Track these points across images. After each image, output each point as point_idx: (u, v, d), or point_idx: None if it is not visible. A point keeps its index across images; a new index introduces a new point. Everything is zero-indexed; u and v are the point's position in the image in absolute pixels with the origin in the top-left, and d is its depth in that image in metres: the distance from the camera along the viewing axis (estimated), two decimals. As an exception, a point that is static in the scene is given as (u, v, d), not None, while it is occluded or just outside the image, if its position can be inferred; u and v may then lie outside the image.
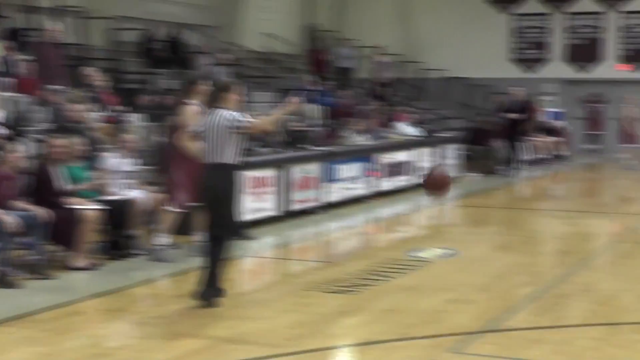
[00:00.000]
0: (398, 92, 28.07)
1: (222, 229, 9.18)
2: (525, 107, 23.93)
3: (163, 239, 11.37)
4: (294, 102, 9.69)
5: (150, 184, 12.47)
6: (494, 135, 23.89)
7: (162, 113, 13.58)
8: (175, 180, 11.23)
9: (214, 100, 9.35)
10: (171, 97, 14.29)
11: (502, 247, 13.48)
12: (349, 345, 8.03)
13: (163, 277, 10.65)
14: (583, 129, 30.33)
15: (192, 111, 10.94)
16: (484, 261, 11.90)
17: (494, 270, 11.18)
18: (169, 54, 21.53)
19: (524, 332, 8.29)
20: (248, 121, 9.19)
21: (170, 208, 11.39)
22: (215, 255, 9.12)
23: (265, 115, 10.56)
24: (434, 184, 9.47)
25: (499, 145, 23.67)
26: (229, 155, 9.10)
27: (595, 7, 30.27)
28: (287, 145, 17.49)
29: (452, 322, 8.60)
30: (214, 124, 9.10)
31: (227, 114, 9.09)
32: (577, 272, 11.07)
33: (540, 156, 25.95)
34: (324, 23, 30.36)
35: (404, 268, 11.16)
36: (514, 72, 30.67)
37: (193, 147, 9.66)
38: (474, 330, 8.28)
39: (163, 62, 20.80)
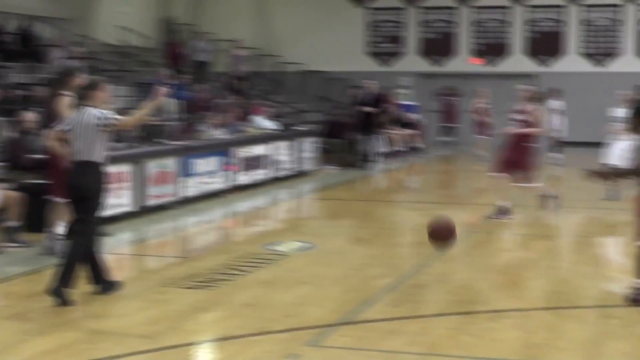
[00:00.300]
0: (255, 86, 28.10)
1: (87, 226, 9.07)
2: (380, 100, 24.20)
3: (59, 230, 11.07)
4: (160, 94, 9.60)
5: (1, 180, 12.16)
6: (350, 128, 24.12)
7: (12, 108, 13.26)
8: (60, 171, 10.91)
9: (81, 98, 9.25)
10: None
11: (359, 239, 13.62)
12: (207, 341, 7.99)
13: (17, 276, 10.38)
14: (437, 121, 30.88)
15: (67, 103, 10.71)
16: (341, 254, 11.98)
17: (350, 263, 11.27)
18: (19, 47, 21.04)
19: (380, 324, 8.37)
20: (116, 119, 9.13)
21: (58, 199, 11.07)
22: (79, 253, 9.02)
23: (132, 111, 10.42)
24: (439, 235, 9.46)
25: (355, 138, 23.89)
26: (97, 153, 9.08)
27: (448, 2, 30.88)
28: (142, 139, 17.29)
29: (309, 315, 8.63)
30: (81, 122, 9.03)
31: (96, 112, 9.05)
32: (432, 263, 11.23)
33: (396, 149, 26.28)
34: (180, 16, 30.15)
35: (262, 262, 11.16)
36: (370, 65, 31.07)
37: (58, 145, 9.50)
38: (331, 323, 8.33)
39: (13, 56, 20.31)
